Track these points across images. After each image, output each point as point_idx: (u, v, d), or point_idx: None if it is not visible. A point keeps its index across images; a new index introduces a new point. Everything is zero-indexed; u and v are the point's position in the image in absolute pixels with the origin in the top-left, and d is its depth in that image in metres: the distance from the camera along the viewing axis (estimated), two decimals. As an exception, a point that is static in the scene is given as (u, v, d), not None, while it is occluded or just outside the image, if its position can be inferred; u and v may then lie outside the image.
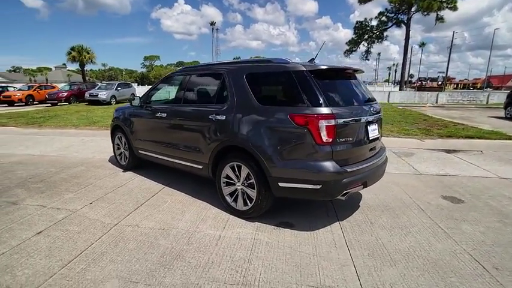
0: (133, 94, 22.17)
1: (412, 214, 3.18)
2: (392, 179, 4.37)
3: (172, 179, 4.25)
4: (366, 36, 31.61)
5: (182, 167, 3.68)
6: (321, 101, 2.51)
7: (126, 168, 4.79)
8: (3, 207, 3.31)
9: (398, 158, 5.63)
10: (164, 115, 3.80)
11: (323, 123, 2.44)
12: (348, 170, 2.56)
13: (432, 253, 2.43)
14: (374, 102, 3.13)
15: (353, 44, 32.36)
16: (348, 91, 2.98)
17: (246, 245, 2.53)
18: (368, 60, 33.64)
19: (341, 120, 2.53)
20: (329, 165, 2.50)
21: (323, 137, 2.46)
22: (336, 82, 2.92)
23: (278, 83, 2.84)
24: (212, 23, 77.24)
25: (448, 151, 6.18)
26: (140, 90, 28.32)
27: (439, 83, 49.52)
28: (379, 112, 3.10)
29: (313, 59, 3.18)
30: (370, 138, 2.86)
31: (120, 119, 4.72)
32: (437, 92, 21.60)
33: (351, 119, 2.62)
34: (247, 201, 2.97)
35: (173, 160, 3.78)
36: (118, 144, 4.92)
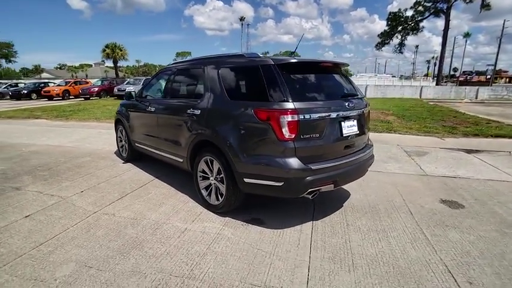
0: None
1: (398, 218, 2.98)
2: (392, 179, 4.12)
3: (164, 172, 4.38)
4: (400, 28, 29.76)
5: (167, 159, 3.79)
6: (284, 95, 2.42)
7: (126, 160, 5.03)
8: (7, 191, 3.65)
9: (407, 157, 5.28)
10: (153, 109, 3.93)
11: (285, 119, 2.36)
12: (313, 167, 2.46)
13: (402, 261, 2.26)
14: (355, 98, 2.95)
15: (385, 37, 30.67)
16: (322, 85, 2.85)
17: (208, 239, 2.55)
18: (401, 53, 31.64)
19: (305, 116, 2.42)
20: (291, 162, 2.42)
21: (285, 133, 2.38)
22: (309, 76, 2.80)
23: (247, 78, 2.80)
24: (241, 18, 77.74)
25: (469, 151, 5.66)
26: (167, 85, 29.17)
27: (488, 76, 45.09)
28: (360, 108, 2.92)
29: (293, 52, 3.10)
30: (345, 135, 2.71)
31: (121, 113, 4.96)
32: (477, 87, 19.73)
33: (318, 114, 2.50)
34: (219, 195, 2.98)
35: (160, 153, 3.90)
36: (120, 137, 5.17)
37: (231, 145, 2.68)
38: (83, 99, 20.38)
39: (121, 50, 36.85)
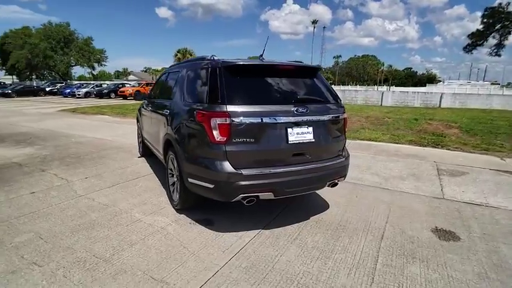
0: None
1: (360, 240, 2.69)
2: (393, 198, 3.69)
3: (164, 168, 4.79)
4: (498, 26, 25.31)
5: (156, 154, 4.17)
6: (220, 98, 2.50)
7: (141, 155, 5.65)
8: (34, 172, 4.54)
9: (435, 176, 4.60)
10: (149, 108, 4.39)
11: (216, 121, 2.43)
12: (244, 173, 2.45)
13: (321, 285, 2.08)
14: (319, 103, 2.81)
15: (477, 37, 26.47)
16: (272, 89, 2.80)
17: (149, 231, 2.76)
18: (499, 55, 26.59)
19: (239, 120, 2.44)
20: (221, 165, 2.47)
21: (216, 136, 2.44)
22: (260, 79, 2.78)
23: (199, 80, 2.93)
24: (314, 21, 76.75)
25: (528, 177, 4.61)
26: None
27: None
28: (321, 114, 2.76)
29: (261, 55, 3.13)
30: (291, 142, 2.60)
31: (138, 110, 5.61)
32: None
33: (254, 119, 2.48)
34: (177, 193, 3.17)
35: (152, 148, 4.32)
36: (138, 133, 5.85)
37: (180, 144, 2.86)
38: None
39: (191, 55, 40.71)
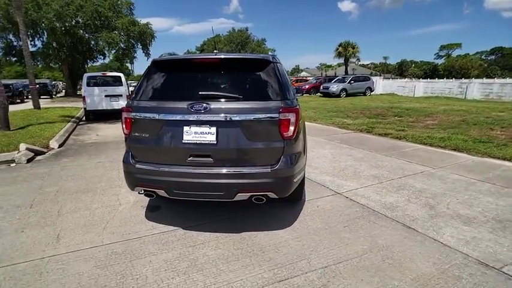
0: (369, 88, 23.15)
1: (250, 273, 2.27)
2: (400, 244, 2.68)
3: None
4: None
5: None
6: (134, 93, 2.83)
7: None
8: (122, 148, 6.31)
9: (547, 234, 2.77)
10: None
11: (123, 115, 2.78)
12: (137, 166, 2.68)
13: (137, 292, 2.04)
14: (223, 101, 2.61)
15: None
16: (180, 84, 2.84)
17: (109, 203, 3.49)
18: None
19: (138, 115, 2.67)
20: (125, 156, 2.86)
21: (124, 129, 2.81)
22: (176, 75, 2.89)
23: None
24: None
25: None
26: (386, 83, 28.33)
27: None
28: (230, 113, 2.51)
29: (214, 48, 3.16)
30: (186, 142, 2.55)
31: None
32: None
33: (147, 114, 2.63)
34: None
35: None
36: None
37: None
38: (299, 95, 24.79)
39: (353, 48, 39.66)
